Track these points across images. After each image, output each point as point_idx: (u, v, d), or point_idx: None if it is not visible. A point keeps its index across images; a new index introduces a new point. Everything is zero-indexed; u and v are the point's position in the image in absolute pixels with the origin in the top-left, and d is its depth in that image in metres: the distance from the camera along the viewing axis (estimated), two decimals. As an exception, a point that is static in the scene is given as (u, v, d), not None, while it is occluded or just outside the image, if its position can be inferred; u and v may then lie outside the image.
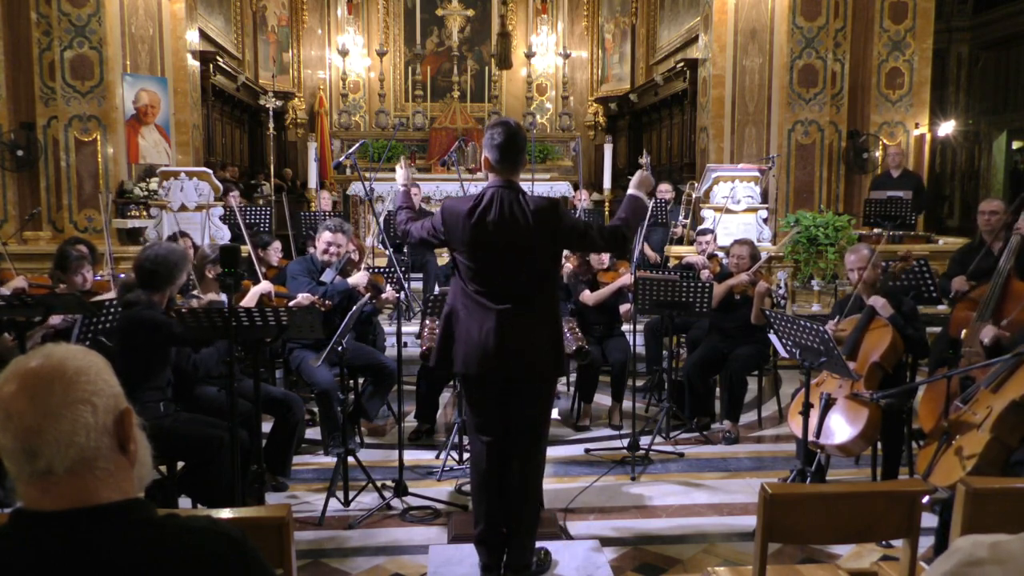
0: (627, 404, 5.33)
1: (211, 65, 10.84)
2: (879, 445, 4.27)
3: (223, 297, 4.48)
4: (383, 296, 5.17)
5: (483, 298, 3.15)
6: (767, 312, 4.10)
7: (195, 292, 4.62)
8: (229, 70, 11.98)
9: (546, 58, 14.76)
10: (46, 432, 1.17)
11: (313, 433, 5.21)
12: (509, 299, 3.14)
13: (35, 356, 1.22)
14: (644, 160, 3.57)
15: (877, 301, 4.18)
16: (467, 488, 4.31)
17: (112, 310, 3.89)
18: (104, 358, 1.28)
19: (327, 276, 5.04)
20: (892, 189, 8.02)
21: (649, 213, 5.41)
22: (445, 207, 3.25)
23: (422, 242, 3.42)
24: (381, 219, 6.74)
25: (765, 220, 8.20)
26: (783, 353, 4.17)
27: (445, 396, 5.66)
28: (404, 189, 3.70)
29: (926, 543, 3.20)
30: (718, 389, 5.56)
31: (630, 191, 3.32)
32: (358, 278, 5.06)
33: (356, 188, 10.20)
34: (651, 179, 3.40)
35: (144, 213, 8.28)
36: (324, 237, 5.08)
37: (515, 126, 3.16)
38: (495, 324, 3.12)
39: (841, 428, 3.92)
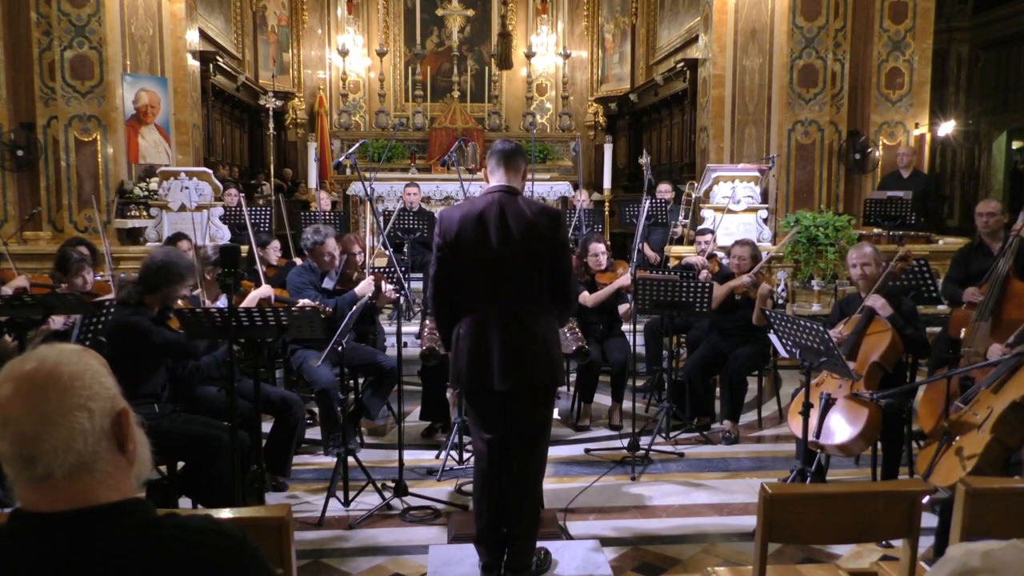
0: (627, 404, 5.33)
1: (211, 65, 10.83)
2: (879, 445, 4.27)
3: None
4: (383, 294, 5.17)
5: (481, 310, 3.16)
6: (767, 312, 4.10)
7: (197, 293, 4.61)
8: (229, 70, 11.97)
9: (546, 58, 14.74)
10: (43, 440, 1.16)
11: (313, 433, 5.21)
12: (505, 309, 3.14)
13: (30, 359, 1.21)
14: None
15: (876, 301, 4.17)
16: (467, 488, 4.32)
17: (111, 310, 3.88)
18: (101, 358, 1.27)
19: (328, 283, 5.04)
20: (902, 189, 7.96)
21: (648, 213, 5.41)
22: (441, 215, 3.24)
23: (437, 275, 3.22)
24: (381, 219, 6.73)
25: (765, 220, 8.19)
26: (783, 353, 4.17)
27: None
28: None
29: (926, 543, 3.21)
30: (718, 389, 5.56)
31: None
32: (364, 286, 4.99)
33: (356, 188, 10.21)
34: None
35: (144, 213, 8.28)
36: (330, 246, 5.15)
37: (516, 143, 3.30)
38: (493, 336, 3.12)
39: (841, 428, 3.92)
